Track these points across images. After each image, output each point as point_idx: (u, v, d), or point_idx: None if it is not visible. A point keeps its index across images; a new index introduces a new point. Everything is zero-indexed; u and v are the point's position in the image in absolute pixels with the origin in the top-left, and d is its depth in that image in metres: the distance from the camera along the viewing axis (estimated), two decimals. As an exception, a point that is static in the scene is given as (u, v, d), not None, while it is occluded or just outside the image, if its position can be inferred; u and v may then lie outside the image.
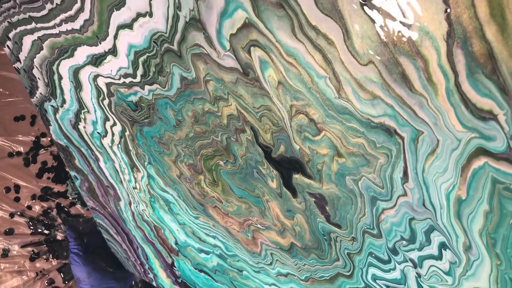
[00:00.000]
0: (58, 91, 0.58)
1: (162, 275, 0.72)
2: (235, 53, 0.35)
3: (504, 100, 0.24)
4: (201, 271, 0.62)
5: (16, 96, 0.80)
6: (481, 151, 0.27)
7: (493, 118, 0.25)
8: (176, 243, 0.62)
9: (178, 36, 0.38)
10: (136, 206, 0.64)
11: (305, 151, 0.36)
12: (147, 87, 0.45)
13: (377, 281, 0.40)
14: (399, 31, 0.25)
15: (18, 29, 0.55)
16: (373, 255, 0.39)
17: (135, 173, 0.58)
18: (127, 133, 0.53)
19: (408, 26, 0.25)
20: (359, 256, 0.40)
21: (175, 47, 0.39)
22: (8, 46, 0.59)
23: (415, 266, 0.36)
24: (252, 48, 0.33)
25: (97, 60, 0.48)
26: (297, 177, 0.39)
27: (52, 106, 0.61)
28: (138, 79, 0.45)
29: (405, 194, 0.32)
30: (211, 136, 0.43)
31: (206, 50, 0.37)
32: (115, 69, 0.47)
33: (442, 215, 0.31)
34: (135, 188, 0.61)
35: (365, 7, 0.26)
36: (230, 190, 0.47)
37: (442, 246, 0.33)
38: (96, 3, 0.42)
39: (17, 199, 0.90)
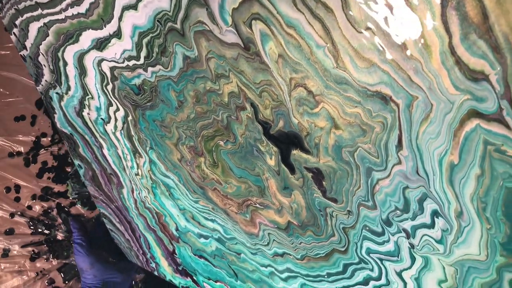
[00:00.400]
0: (63, 77, 0.58)
1: (163, 264, 0.72)
2: (237, 27, 0.35)
3: (496, 59, 0.24)
4: (200, 257, 0.62)
5: (16, 96, 0.80)
6: (473, 113, 0.27)
7: (485, 79, 0.25)
8: (177, 229, 0.62)
9: (181, 14, 0.38)
10: (139, 193, 0.64)
11: (303, 125, 0.37)
12: (150, 69, 0.46)
13: (371, 254, 0.40)
14: (395, -5, 0.26)
15: (25, 16, 0.56)
16: (367, 228, 0.39)
17: (138, 159, 0.58)
18: (129, 118, 0.54)
19: (404, -11, 0.25)
20: (354, 230, 0.40)
21: (178, 25, 0.39)
22: (14, 33, 0.60)
23: (408, 237, 0.36)
24: (253, 21, 0.34)
25: (101, 44, 0.49)
26: (295, 153, 0.39)
27: (57, 93, 0.62)
28: (141, 61, 0.46)
29: (399, 163, 0.33)
30: (212, 116, 0.44)
31: (208, 27, 0.37)
32: (119, 52, 0.47)
33: (435, 181, 0.32)
34: (137, 174, 0.61)
35: (363, -26, 0.27)
36: (229, 170, 0.47)
37: (435, 214, 0.33)
38: (102, -15, 0.43)
39: (17, 199, 0.89)
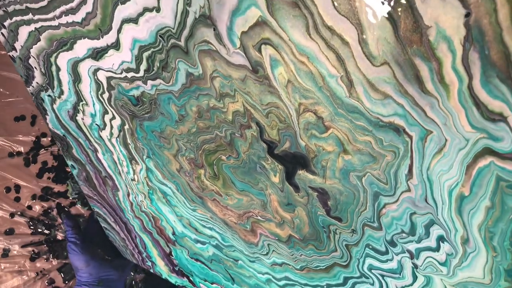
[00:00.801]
0: (55, 82, 0.56)
1: (160, 263, 0.71)
2: (245, 50, 0.34)
3: (516, 102, 0.24)
4: (197, 260, 0.62)
5: (16, 96, 0.78)
6: (488, 151, 0.27)
7: (503, 120, 0.25)
8: (174, 234, 0.61)
9: (186, 32, 0.37)
10: (135, 197, 0.62)
11: (311, 148, 0.36)
12: (150, 82, 0.44)
13: (372, 270, 0.40)
14: (417, 34, 0.25)
15: (14, 19, 0.53)
16: (371, 246, 0.39)
17: (134, 166, 0.57)
18: (126, 127, 0.52)
19: (426, 29, 0.25)
20: (356, 247, 0.40)
21: (182, 43, 0.38)
22: (2, 34, 0.57)
23: (412, 257, 0.36)
24: (263, 46, 0.33)
25: (98, 54, 0.47)
26: (301, 173, 0.38)
27: (49, 96, 0.59)
28: (141, 73, 0.44)
29: (408, 190, 0.32)
30: (215, 131, 0.42)
31: (214, 47, 0.36)
32: (117, 63, 0.45)
33: (443, 210, 0.31)
34: (133, 180, 0.59)
35: (383, 9, 0.26)
36: (231, 183, 0.46)
37: (440, 238, 0.33)
38: (100, -4, 0.41)
39: (17, 199, 0.88)
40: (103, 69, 0.48)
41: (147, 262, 0.74)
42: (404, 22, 0.25)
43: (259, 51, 0.33)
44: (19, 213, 0.87)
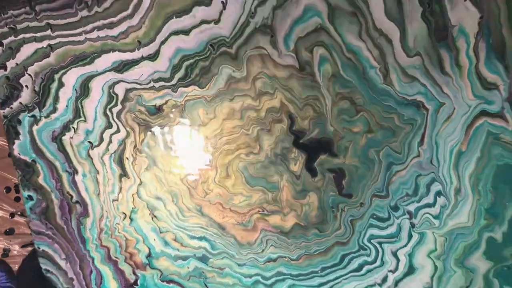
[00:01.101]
0: (49, 100, 0.56)
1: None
2: (297, 52, 0.44)
3: (506, 74, 0.38)
4: (170, 281, 0.62)
5: None
6: (483, 113, 0.40)
7: (496, 88, 0.39)
8: (149, 255, 0.61)
9: (241, 40, 0.45)
10: (109, 221, 0.61)
11: (338, 132, 0.45)
12: (181, 89, 0.49)
13: (372, 240, 0.49)
14: (445, 31, 0.38)
15: (21, 36, 0.53)
16: (375, 216, 0.48)
17: (123, 183, 0.58)
18: (130, 140, 0.54)
19: (452, 28, 0.38)
20: (361, 220, 0.49)
21: (233, 50, 0.45)
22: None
23: (410, 217, 0.47)
24: (315, 47, 0.43)
25: (124, 66, 0.50)
26: (323, 158, 0.47)
27: (32, 116, 0.58)
28: (173, 82, 0.49)
29: (418, 156, 0.44)
30: (242, 130, 0.49)
31: (267, 51, 0.44)
32: (147, 73, 0.50)
33: (443, 168, 0.43)
34: (115, 200, 0.59)
35: (421, 13, 0.38)
36: (243, 182, 0.52)
37: (438, 193, 0.44)
38: (152, 10, 0.47)
39: (17, 199, 0.82)
40: (125, 81, 0.51)
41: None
42: (437, 23, 0.38)
43: (311, 52, 0.43)
44: (19, 213, 0.82)
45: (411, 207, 0.46)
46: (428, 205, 0.45)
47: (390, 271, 0.49)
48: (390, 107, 0.43)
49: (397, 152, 0.44)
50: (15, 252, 0.81)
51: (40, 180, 0.63)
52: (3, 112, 0.60)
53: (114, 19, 0.49)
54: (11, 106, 0.59)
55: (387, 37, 0.40)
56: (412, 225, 0.47)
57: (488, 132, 0.40)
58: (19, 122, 0.59)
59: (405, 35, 0.40)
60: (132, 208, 0.59)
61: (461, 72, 0.39)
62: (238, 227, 0.55)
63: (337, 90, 0.44)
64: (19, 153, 0.62)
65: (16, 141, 0.61)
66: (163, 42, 0.48)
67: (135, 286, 0.65)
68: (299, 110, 0.46)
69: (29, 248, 0.81)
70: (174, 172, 0.54)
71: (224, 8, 0.44)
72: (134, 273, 0.64)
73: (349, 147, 0.46)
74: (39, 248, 0.69)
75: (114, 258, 0.64)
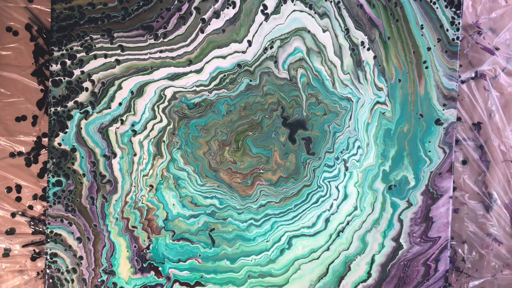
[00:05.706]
0: (105, 99, 0.80)
1: (122, 270, 0.86)
2: (288, 70, 0.82)
3: (385, 84, 0.83)
4: (180, 239, 0.87)
5: (17, 96, 0.80)
6: (378, 102, 0.84)
7: (382, 90, 0.84)
8: (165, 219, 0.86)
9: (257, 63, 0.81)
10: (135, 195, 0.84)
11: (309, 115, 0.84)
12: (214, 91, 0.82)
13: (325, 181, 0.87)
14: (360, 62, 0.83)
15: (94, 52, 0.79)
16: (326, 164, 0.86)
17: (156, 161, 0.83)
18: (170, 127, 0.82)
19: (363, 61, 0.82)
20: (319, 168, 0.86)
21: (252, 68, 0.81)
22: (56, 62, 0.79)
23: (345, 163, 0.86)
24: (299, 68, 0.82)
25: (176, 77, 0.81)
26: (299, 132, 0.84)
27: (83, 112, 0.80)
28: (210, 87, 0.81)
29: (348, 126, 0.85)
30: (251, 117, 0.83)
31: (271, 69, 0.82)
32: (192, 81, 0.81)
33: (360, 132, 0.85)
34: (145, 175, 0.84)
35: (351, 54, 0.82)
36: (248, 151, 0.84)
37: (358, 147, 0.86)
38: (204, 43, 0.80)
39: (18, 199, 0.77)
40: (174, 86, 0.81)
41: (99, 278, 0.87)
42: (357, 58, 0.82)
43: (296, 71, 0.82)
44: (20, 213, 0.77)
45: (345, 157, 0.86)
46: (354, 154, 0.86)
47: (335, 199, 0.87)
48: (335, 100, 0.84)
49: (338, 125, 0.85)
50: (16, 252, 0.86)
51: (75, 166, 0.83)
52: (57, 109, 0.80)
53: (175, 47, 0.80)
54: (66, 105, 0.80)
55: (334, 64, 0.82)
56: (346, 168, 0.86)
57: (380, 112, 0.84)
58: (70, 117, 0.81)
59: (343, 64, 0.82)
60: (159, 181, 0.84)
61: (367, 82, 0.83)
62: (241, 185, 0.86)
63: (308, 92, 0.83)
64: (59, 144, 0.81)
65: (60, 134, 0.81)
66: (207, 62, 0.81)
67: (146, 250, 0.87)
68: (288, 103, 0.83)
69: (30, 248, 0.90)
70: (200, 149, 0.84)
71: (250, 45, 0.81)
72: (148, 238, 0.86)
73: (314, 124, 0.84)
74: (52, 232, 0.85)
75: (131, 228, 0.86)
